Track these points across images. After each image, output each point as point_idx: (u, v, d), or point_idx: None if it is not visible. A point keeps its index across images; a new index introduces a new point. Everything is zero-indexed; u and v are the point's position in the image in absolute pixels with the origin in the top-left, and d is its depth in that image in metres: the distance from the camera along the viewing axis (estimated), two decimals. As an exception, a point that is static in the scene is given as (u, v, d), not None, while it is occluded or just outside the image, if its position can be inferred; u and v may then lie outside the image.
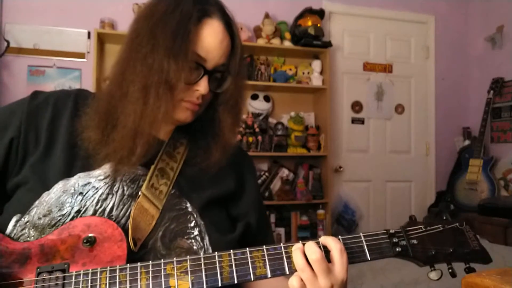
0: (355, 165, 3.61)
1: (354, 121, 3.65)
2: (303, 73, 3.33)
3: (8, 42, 2.83)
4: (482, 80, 3.76)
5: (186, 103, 0.75)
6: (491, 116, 3.64)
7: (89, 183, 0.72)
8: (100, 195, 0.71)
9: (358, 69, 3.66)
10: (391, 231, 0.70)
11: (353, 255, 0.66)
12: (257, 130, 3.13)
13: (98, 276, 0.62)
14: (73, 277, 0.62)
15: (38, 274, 0.62)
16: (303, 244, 0.64)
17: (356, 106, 3.66)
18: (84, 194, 0.71)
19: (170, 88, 0.70)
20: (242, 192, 0.87)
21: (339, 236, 0.67)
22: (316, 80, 3.31)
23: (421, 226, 0.71)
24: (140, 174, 0.76)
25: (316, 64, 3.32)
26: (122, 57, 0.74)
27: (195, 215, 0.76)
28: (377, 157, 3.70)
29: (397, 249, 0.68)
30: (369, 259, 0.67)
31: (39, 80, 2.93)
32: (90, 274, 0.62)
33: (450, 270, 0.69)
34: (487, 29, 3.77)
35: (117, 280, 0.61)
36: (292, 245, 0.65)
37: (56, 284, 0.61)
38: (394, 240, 0.69)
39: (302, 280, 0.62)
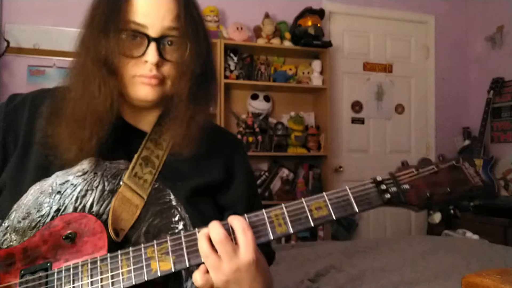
0: (355, 165, 3.61)
1: (354, 121, 3.65)
2: (303, 73, 3.33)
3: (8, 42, 2.83)
4: (482, 80, 3.76)
5: (140, 77, 0.70)
6: (491, 116, 3.64)
7: (67, 181, 0.71)
8: (79, 192, 0.70)
9: (358, 69, 3.66)
10: (378, 178, 0.65)
11: (341, 209, 0.63)
12: (257, 130, 3.13)
13: (80, 269, 0.62)
14: (55, 274, 0.62)
15: (22, 276, 0.63)
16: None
17: (356, 106, 3.66)
18: (62, 192, 0.70)
19: (108, 64, 0.68)
20: (230, 182, 0.82)
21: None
22: (316, 80, 3.31)
23: (412, 170, 0.66)
24: (122, 168, 0.74)
25: (316, 64, 3.32)
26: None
27: (179, 209, 0.73)
28: (377, 157, 3.69)
29: (386, 196, 0.63)
30: (357, 211, 0.62)
31: (39, 80, 2.93)
32: (71, 269, 0.62)
33: (452, 211, 0.64)
34: (487, 29, 3.76)
35: (99, 270, 0.61)
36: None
37: (40, 283, 0.62)
38: (382, 188, 0.64)
39: (206, 271, 0.60)
